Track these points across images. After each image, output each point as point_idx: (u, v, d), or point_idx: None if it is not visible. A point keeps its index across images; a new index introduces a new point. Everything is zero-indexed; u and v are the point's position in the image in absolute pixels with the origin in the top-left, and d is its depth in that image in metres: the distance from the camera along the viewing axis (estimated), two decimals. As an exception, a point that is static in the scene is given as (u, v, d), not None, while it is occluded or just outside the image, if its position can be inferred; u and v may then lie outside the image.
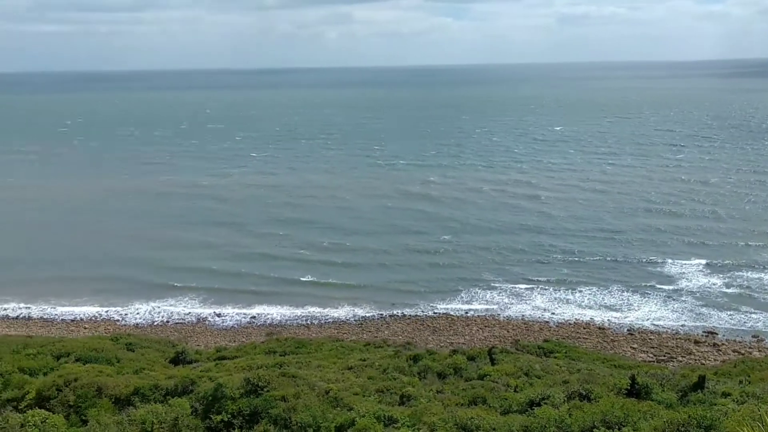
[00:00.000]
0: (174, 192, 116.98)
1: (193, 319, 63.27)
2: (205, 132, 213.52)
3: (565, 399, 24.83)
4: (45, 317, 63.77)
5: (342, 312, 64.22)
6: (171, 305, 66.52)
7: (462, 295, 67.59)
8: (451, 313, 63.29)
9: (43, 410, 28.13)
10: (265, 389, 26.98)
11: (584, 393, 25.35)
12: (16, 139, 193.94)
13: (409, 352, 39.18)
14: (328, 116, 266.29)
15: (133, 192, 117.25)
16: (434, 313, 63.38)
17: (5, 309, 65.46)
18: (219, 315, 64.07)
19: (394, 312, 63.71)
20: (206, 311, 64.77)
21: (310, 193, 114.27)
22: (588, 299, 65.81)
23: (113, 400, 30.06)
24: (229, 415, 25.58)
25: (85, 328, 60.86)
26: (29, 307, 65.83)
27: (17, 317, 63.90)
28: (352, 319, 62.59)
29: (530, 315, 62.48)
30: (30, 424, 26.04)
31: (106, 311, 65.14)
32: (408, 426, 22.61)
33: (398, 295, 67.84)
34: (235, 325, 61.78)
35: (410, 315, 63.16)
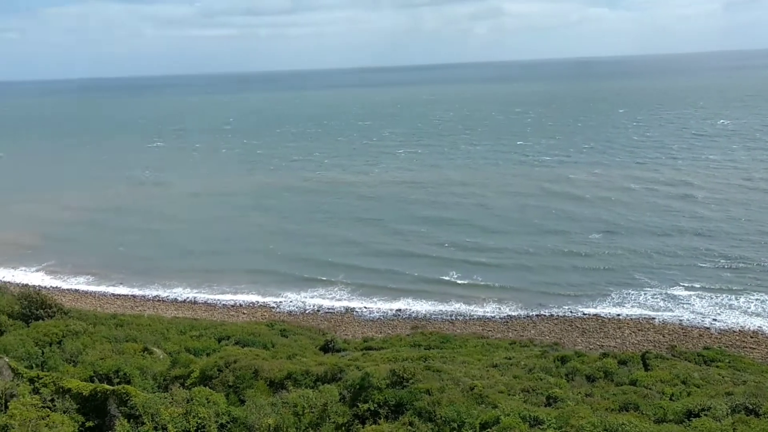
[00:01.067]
0: (321, 188, 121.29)
1: (342, 310, 65.45)
2: (353, 129, 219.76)
3: (729, 412, 23.03)
4: (209, 302, 68.66)
5: (488, 309, 63.71)
6: (321, 296, 69.21)
7: (612, 296, 64.71)
8: (602, 315, 60.77)
9: (206, 388, 30.34)
10: (410, 381, 27.36)
11: (751, 407, 23.35)
12: (190, 136, 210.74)
13: (556, 353, 38.15)
14: (474, 112, 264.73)
15: (285, 188, 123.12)
16: (583, 314, 61.18)
17: (174, 293, 71.22)
18: (366, 307, 65.83)
19: (542, 312, 62.24)
20: (354, 303, 66.72)
21: (452, 190, 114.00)
22: (755, 306, 60.65)
23: (268, 382, 31.74)
24: (375, 405, 26.19)
25: (244, 314, 64.87)
26: (195, 293, 71.16)
27: (184, 301, 69.29)
28: (498, 317, 61.90)
29: (688, 320, 58.63)
30: (195, 400, 28.17)
31: (263, 299, 68.94)
32: (554, 428, 22.02)
33: (544, 296, 66.04)
34: (382, 317, 63.16)
35: (558, 315, 61.43)
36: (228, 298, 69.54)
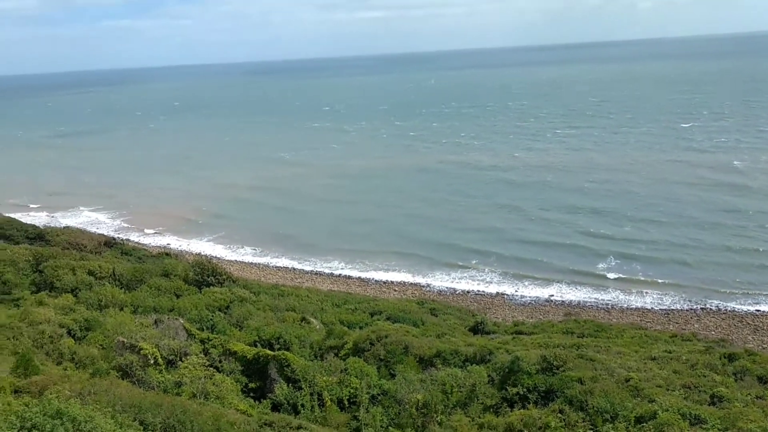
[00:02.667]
0: (469, 172, 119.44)
1: (492, 292, 64.98)
2: (507, 110, 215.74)
3: None
4: (362, 278, 70.89)
5: (647, 300, 60.49)
6: (471, 278, 69.06)
7: (791, 295, 58.90)
8: (778, 312, 55.63)
9: (359, 360, 31.47)
10: (561, 369, 26.73)
11: None
12: (346, 117, 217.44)
13: (723, 350, 35.45)
14: (637, 92, 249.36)
15: (434, 170, 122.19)
16: (757, 311, 56.32)
17: (330, 268, 74.27)
18: (517, 291, 64.91)
19: (707, 305, 58.04)
20: (504, 288, 65.94)
21: (601, 177, 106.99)
22: None
23: (417, 359, 32.30)
24: (525, 389, 25.88)
25: (395, 291, 66.34)
26: (349, 268, 73.76)
27: (339, 276, 72.05)
28: (658, 309, 58.59)
29: None
30: (349, 371, 29.32)
31: (413, 278, 70.02)
32: (718, 429, 20.62)
33: (708, 291, 60.92)
34: (533, 303, 62.00)
35: (726, 310, 56.99)
36: (380, 275, 71.33)
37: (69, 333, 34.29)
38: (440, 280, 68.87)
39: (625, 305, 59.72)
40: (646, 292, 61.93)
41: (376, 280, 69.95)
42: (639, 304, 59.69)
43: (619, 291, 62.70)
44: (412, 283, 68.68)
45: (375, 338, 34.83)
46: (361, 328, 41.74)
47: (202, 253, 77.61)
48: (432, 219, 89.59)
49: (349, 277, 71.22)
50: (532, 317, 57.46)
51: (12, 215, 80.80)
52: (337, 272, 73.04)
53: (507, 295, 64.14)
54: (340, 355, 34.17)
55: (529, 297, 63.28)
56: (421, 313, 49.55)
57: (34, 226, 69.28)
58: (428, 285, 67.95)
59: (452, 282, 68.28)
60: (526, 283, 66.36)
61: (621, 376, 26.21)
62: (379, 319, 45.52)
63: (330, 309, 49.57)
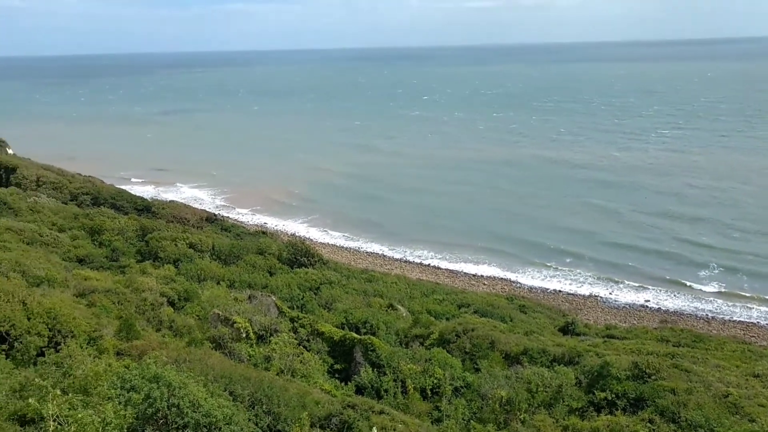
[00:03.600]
0: (565, 170, 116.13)
1: (585, 293, 63.22)
2: (612, 107, 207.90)
3: None
4: (451, 269, 70.58)
5: (753, 314, 57.16)
6: (563, 277, 67.44)
7: None
8: None
9: (444, 350, 31.40)
10: (652, 377, 25.71)
11: None
12: (447, 107, 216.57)
13: (835, 373, 33.03)
14: (755, 92, 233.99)
15: (528, 166, 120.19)
16: None
17: (420, 257, 74.36)
18: (611, 292, 62.86)
19: (822, 323, 54.26)
20: (598, 290, 64.01)
21: (704, 183, 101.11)
22: None
23: (503, 355, 31.89)
24: (613, 395, 25.07)
25: (484, 285, 65.68)
26: (439, 258, 73.60)
27: (428, 265, 72.02)
28: (764, 323, 55.28)
29: None
30: (434, 360, 29.30)
31: (503, 273, 69.08)
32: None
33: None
34: (627, 306, 59.88)
35: (843, 330, 53.11)
36: (470, 268, 70.78)
37: (169, 302, 35.95)
38: (531, 278, 67.62)
39: (728, 317, 56.70)
40: (751, 307, 58.52)
41: (465, 273, 69.47)
42: (743, 317, 56.52)
43: (721, 301, 59.58)
44: (501, 278, 67.79)
45: (461, 330, 34.66)
46: (447, 319, 41.65)
47: (296, 234, 79.55)
48: (524, 215, 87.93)
49: (438, 268, 71.06)
50: (625, 322, 55.54)
51: (123, 187, 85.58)
52: (426, 262, 73.03)
53: (600, 297, 62.21)
54: (425, 344, 34.22)
55: (623, 301, 61.13)
56: (510, 310, 48.87)
57: (142, 199, 73.04)
58: (518, 281, 66.87)
59: (543, 280, 66.89)
60: (621, 287, 64.13)
61: (719, 391, 24.88)
62: (466, 312, 45.26)
63: (418, 298, 49.70)
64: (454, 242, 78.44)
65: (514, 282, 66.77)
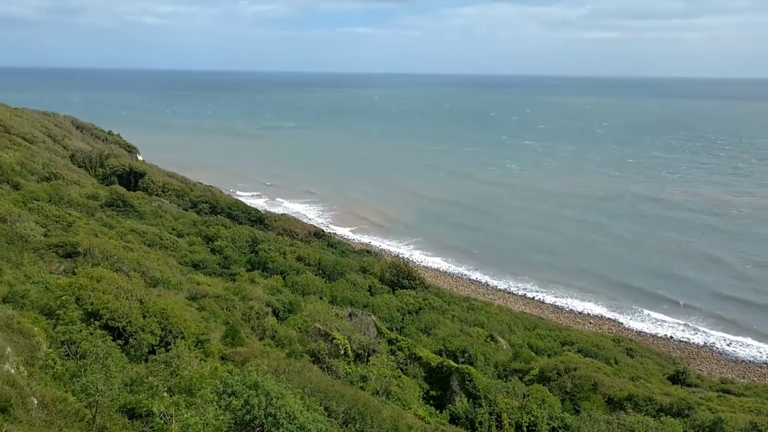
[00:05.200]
0: (685, 205, 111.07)
1: (699, 341, 59.47)
2: (738, 148, 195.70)
3: None
4: (556, 304, 68.47)
5: None
6: (675, 321, 63.86)
7: None
8: None
9: (543, 388, 30.37)
10: (774, 441, 23.70)
11: None
12: (559, 138, 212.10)
13: None
14: None
15: (647, 199, 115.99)
16: None
17: (524, 289, 72.67)
18: (729, 344, 58.77)
19: None
20: (714, 337, 60.11)
21: None
22: None
23: (606, 398, 30.48)
24: (727, 456, 23.31)
25: (590, 323, 63.21)
26: (544, 292, 71.61)
27: (533, 299, 70.21)
28: None
29: None
30: (532, 397, 28.37)
31: (610, 313, 66.27)
32: None
33: None
34: (747, 361, 55.69)
35: None
36: (575, 304, 68.45)
37: (273, 312, 36.94)
38: (640, 321, 64.43)
39: None
40: None
41: (570, 309, 67.20)
42: None
43: None
44: (608, 319, 65.01)
45: (563, 369, 33.45)
46: (549, 356, 40.37)
47: (400, 256, 79.85)
48: (635, 255, 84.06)
49: (543, 302, 69.13)
50: (744, 377, 51.67)
51: (240, 197, 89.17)
52: (530, 295, 71.26)
53: (716, 348, 58.28)
54: (524, 379, 33.28)
55: (743, 355, 56.93)
56: (616, 352, 46.71)
57: (256, 210, 75.79)
58: (626, 323, 63.85)
59: (654, 324, 63.54)
60: (740, 339, 59.82)
61: None
62: (569, 350, 43.67)
63: (519, 331, 48.52)
64: (560, 277, 76.14)
65: (621, 323, 63.85)
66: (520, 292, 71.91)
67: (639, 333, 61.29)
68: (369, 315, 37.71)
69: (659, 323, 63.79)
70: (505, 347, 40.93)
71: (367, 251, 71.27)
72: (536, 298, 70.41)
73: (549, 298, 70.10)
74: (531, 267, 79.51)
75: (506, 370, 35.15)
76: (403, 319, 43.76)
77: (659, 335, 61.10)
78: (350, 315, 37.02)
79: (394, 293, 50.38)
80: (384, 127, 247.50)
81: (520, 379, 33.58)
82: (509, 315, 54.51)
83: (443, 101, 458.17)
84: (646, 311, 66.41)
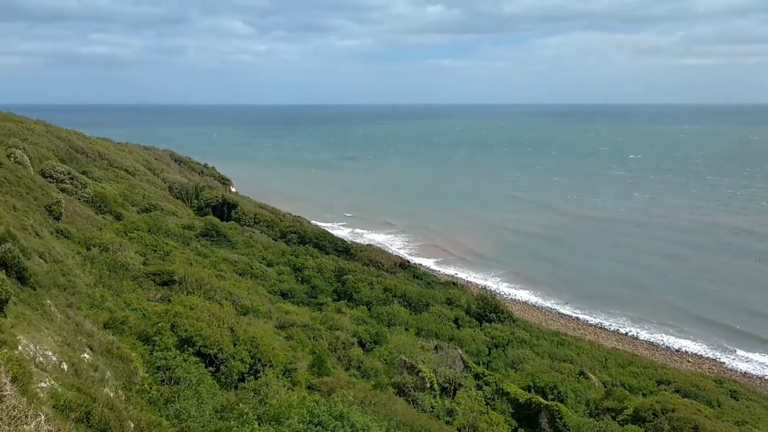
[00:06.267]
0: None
1: (814, 386, 55.31)
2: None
3: None
4: (651, 341, 65.47)
5: None
6: (787, 364, 59.75)
7: None
8: None
9: (639, 428, 28.91)
10: None
11: None
12: (649, 167, 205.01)
13: None
14: None
15: (747, 232, 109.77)
16: None
17: (616, 324, 69.94)
18: None
19: None
20: (830, 381, 55.76)
21: None
22: None
23: (709, 444, 28.70)
24: None
25: (689, 362, 60.01)
26: (637, 328, 68.68)
27: (626, 334, 67.42)
28: None
29: None
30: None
31: (712, 351, 62.77)
32: None
33: None
34: None
35: None
36: (672, 341, 65.25)
37: (359, 343, 37.01)
38: (745, 361, 60.58)
39: None
40: None
41: (666, 346, 64.08)
42: None
43: None
44: (709, 358, 61.50)
45: (660, 409, 31.79)
46: (644, 395, 38.52)
47: (487, 288, 78.71)
48: (735, 291, 79.51)
49: (636, 339, 66.26)
50: None
51: (326, 227, 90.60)
52: (623, 330, 68.48)
53: (832, 392, 53.97)
54: (617, 419, 31.86)
55: None
56: (718, 393, 43.99)
57: (342, 240, 76.73)
58: (729, 363, 60.20)
59: (761, 366, 59.57)
60: None
61: None
62: (666, 390, 41.49)
63: (612, 368, 46.60)
64: (656, 312, 72.91)
65: (723, 363, 60.23)
66: (612, 327, 69.26)
67: (744, 374, 57.60)
68: (455, 348, 37.17)
69: (763, 365, 59.81)
70: (596, 384, 39.36)
71: (452, 283, 70.61)
72: (629, 333, 67.59)
73: (643, 334, 67.14)
74: (620, 302, 76.49)
75: (598, 408, 33.76)
76: (490, 352, 42.87)
77: (766, 378, 57.24)
78: (436, 348, 36.62)
79: (480, 326, 49.56)
80: (466, 157, 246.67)
81: (613, 418, 32.17)
82: (601, 351, 52.48)
83: (528, 131, 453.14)
84: (752, 352, 62.47)
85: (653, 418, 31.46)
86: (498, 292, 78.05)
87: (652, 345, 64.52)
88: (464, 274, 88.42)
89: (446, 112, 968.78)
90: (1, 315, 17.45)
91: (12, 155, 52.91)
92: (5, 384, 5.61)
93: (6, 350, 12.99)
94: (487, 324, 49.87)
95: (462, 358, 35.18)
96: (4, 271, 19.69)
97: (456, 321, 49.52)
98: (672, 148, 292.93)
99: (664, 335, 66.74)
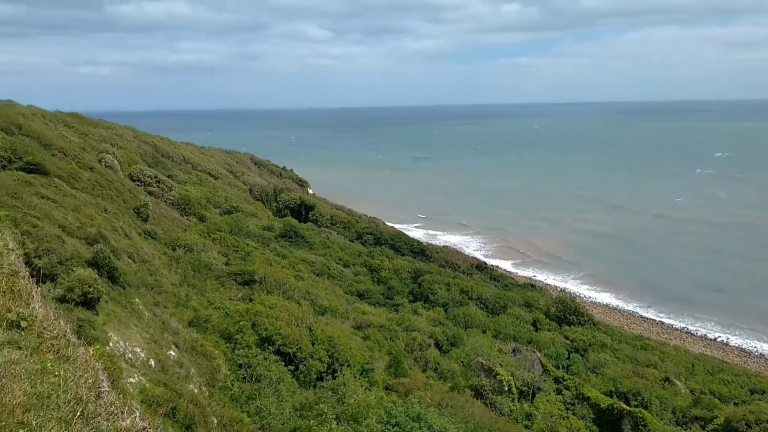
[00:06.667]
0: None
1: None
2: None
3: None
4: (743, 347, 62.37)
5: None
6: None
7: None
8: None
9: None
10: None
11: None
12: (733, 166, 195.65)
13: None
14: None
15: None
16: None
17: (704, 329, 67.00)
18: None
19: None
20: None
21: None
22: None
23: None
24: None
25: (784, 371, 56.86)
26: (727, 333, 65.60)
27: (714, 340, 64.50)
28: None
29: None
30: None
31: (811, 359, 59.28)
32: None
33: None
34: None
35: None
36: (766, 348, 61.96)
37: (436, 344, 36.89)
38: None
39: None
40: None
41: (760, 354, 60.85)
42: None
43: None
44: (807, 365, 58.11)
45: (753, 420, 30.23)
46: (736, 404, 36.71)
47: (566, 290, 76.99)
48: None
49: (727, 345, 63.23)
50: None
51: (401, 228, 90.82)
52: (711, 335, 65.52)
53: None
54: (707, 428, 30.53)
55: None
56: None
57: (418, 242, 76.74)
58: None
59: None
60: None
61: None
62: (760, 399, 39.42)
63: (701, 375, 44.68)
64: (745, 317, 69.34)
65: (824, 372, 56.76)
66: (700, 332, 66.37)
67: None
68: (534, 351, 36.52)
69: None
70: (683, 391, 37.82)
71: (531, 285, 69.47)
72: (719, 339, 64.58)
73: (734, 340, 64.01)
74: (706, 306, 73.18)
75: (685, 416, 32.42)
76: (569, 356, 41.87)
77: None
78: (514, 351, 36.09)
79: (560, 329, 48.53)
80: (542, 157, 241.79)
81: (702, 428, 30.86)
82: (687, 357, 50.41)
83: (609, 129, 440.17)
84: None
85: (746, 428, 29.97)
86: (577, 294, 76.16)
87: (744, 351, 61.43)
88: (542, 276, 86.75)
89: (523, 111, 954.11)
90: (93, 312, 18.30)
91: (103, 160, 55.53)
92: (102, 380, 5.82)
93: (99, 346, 13.60)
94: (567, 327, 48.78)
95: (541, 362, 34.52)
96: (96, 270, 20.65)
97: (534, 324, 48.65)
98: (765, 145, 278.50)
99: (756, 342, 63.44)
